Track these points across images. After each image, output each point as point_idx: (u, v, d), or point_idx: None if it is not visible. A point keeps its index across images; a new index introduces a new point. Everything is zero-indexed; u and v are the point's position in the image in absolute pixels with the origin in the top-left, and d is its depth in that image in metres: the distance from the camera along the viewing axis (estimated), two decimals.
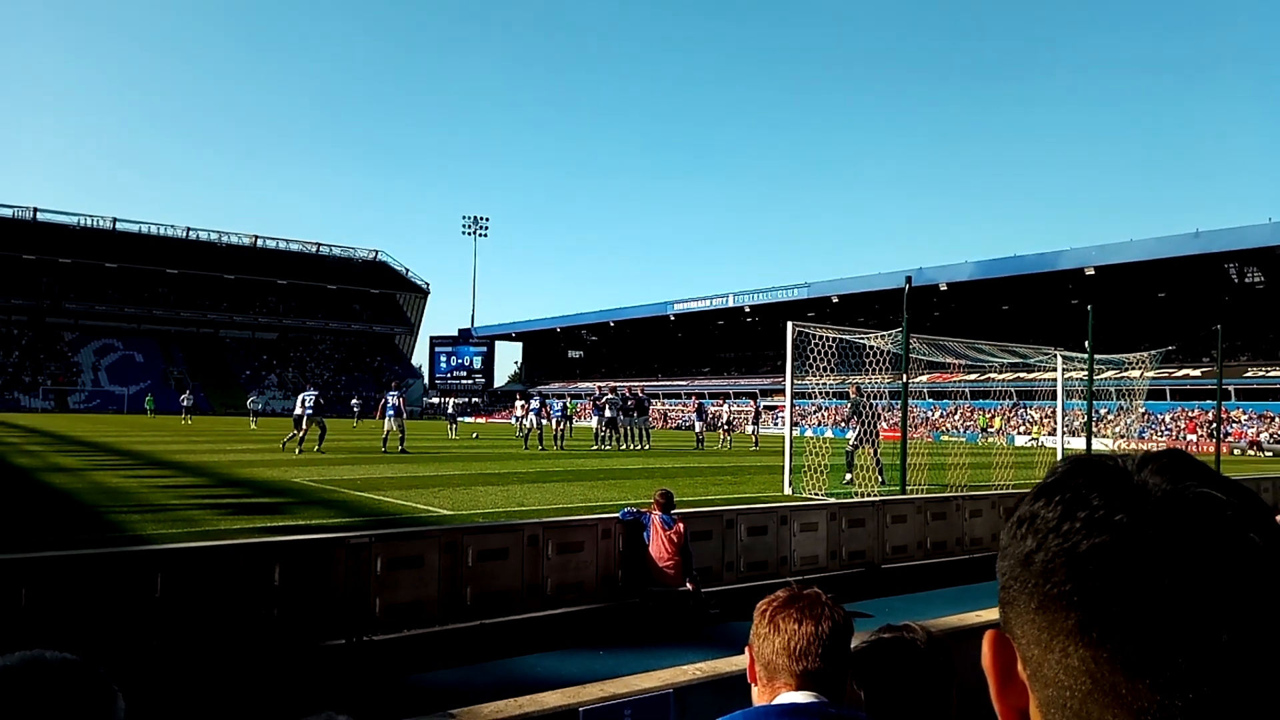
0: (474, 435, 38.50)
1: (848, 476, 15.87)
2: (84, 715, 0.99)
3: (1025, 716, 0.61)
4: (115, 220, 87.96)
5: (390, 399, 24.63)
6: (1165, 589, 0.53)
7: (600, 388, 33.66)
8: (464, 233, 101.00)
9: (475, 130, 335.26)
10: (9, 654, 1.03)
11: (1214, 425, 33.80)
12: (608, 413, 28.48)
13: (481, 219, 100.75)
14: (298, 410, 23.24)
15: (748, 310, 76.65)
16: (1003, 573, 0.63)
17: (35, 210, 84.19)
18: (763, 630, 1.87)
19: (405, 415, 25.20)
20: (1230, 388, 48.24)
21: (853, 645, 2.01)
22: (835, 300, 68.06)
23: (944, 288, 61.84)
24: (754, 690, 1.89)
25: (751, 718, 1.77)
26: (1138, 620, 0.54)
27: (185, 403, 48.95)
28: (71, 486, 13.60)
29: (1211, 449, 28.57)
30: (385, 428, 24.70)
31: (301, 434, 23.04)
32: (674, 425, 62.37)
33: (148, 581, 6.03)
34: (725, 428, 34.68)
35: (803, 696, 1.78)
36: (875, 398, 16.97)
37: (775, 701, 1.79)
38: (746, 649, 1.91)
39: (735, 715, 1.78)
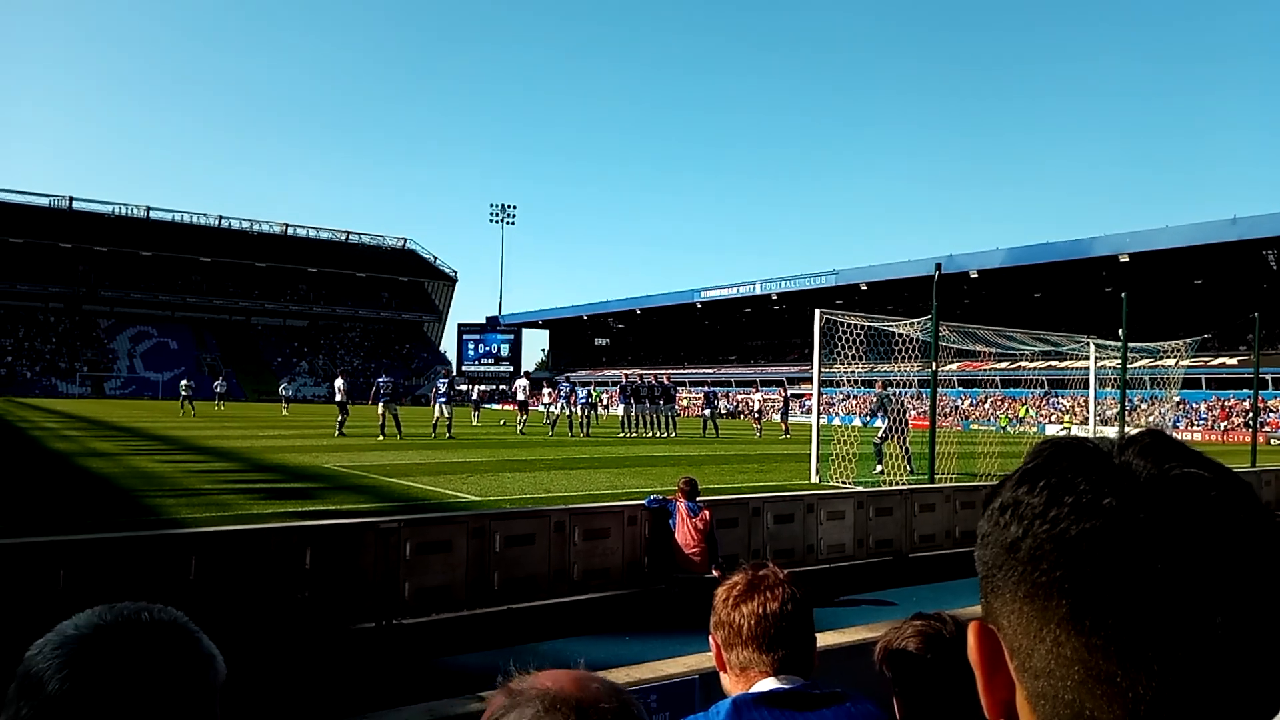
0: (500, 422, 38.68)
1: (878, 467, 15.77)
2: (181, 679, 0.89)
3: (1012, 708, 0.60)
4: (149, 209, 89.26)
5: (440, 386, 26.18)
6: (1159, 573, 0.52)
7: (569, 378, 34.99)
8: (492, 221, 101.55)
9: (504, 119, 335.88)
10: (106, 606, 0.94)
11: (1250, 414, 33.17)
12: (562, 394, 30.37)
13: (509, 207, 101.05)
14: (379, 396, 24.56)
15: (775, 298, 76.24)
16: (985, 561, 0.61)
17: (71, 199, 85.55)
18: (728, 618, 1.84)
19: (455, 403, 26.89)
20: (1267, 376, 47.35)
21: (883, 634, 2.01)
22: (864, 288, 67.51)
23: (974, 275, 61.07)
24: (724, 678, 1.87)
25: (733, 708, 1.75)
26: (1132, 606, 0.53)
27: (219, 389, 49.80)
28: (108, 471, 13.86)
29: (1247, 438, 28.05)
30: (435, 414, 25.64)
31: (382, 422, 24.09)
32: (696, 414, 62.24)
33: (182, 564, 6.13)
34: (756, 415, 34.57)
35: (781, 681, 1.77)
36: (904, 386, 16.84)
37: (753, 689, 1.77)
38: (710, 637, 1.88)
39: (718, 706, 1.77)
